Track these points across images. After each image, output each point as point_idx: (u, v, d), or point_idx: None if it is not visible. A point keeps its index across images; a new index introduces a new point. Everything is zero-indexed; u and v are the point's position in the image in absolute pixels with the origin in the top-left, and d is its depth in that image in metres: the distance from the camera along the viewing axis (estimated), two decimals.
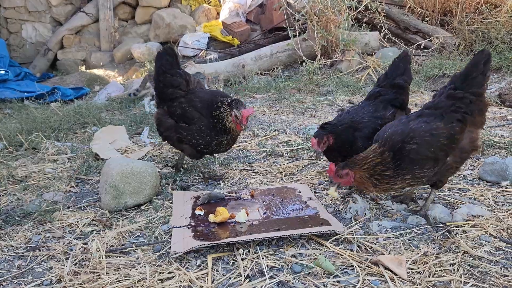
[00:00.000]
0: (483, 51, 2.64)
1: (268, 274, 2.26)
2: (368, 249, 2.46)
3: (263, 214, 2.89)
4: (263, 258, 2.41)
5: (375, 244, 2.50)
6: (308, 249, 2.50)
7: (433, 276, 2.17)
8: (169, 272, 2.34)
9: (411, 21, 8.58)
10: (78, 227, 2.93)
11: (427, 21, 8.72)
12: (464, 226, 2.61)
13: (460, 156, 2.65)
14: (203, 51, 9.66)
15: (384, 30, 8.02)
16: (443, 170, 2.62)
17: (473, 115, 2.61)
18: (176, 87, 3.54)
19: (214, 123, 3.39)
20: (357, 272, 2.24)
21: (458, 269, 2.21)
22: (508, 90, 5.53)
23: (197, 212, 2.92)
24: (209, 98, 3.48)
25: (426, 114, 2.64)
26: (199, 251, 2.51)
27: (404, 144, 2.53)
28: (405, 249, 2.43)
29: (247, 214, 2.83)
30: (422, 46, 8.12)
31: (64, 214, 3.12)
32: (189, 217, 2.87)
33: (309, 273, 2.26)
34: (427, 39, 8.19)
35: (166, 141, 3.78)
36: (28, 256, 2.60)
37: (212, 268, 2.36)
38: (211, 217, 2.80)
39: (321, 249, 2.48)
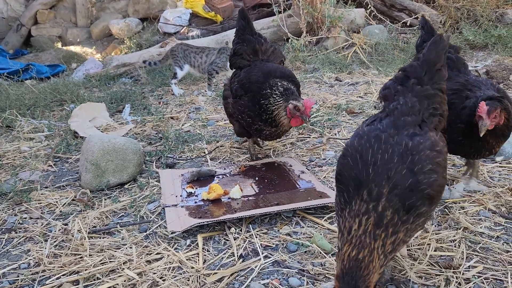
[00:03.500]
0: (442, 36, 2.00)
1: (262, 254, 2.14)
2: None
3: (257, 189, 2.77)
4: (256, 237, 2.29)
5: None
6: (303, 227, 2.39)
7: (434, 252, 2.09)
8: (157, 253, 2.20)
9: None
10: (57, 207, 2.75)
11: None
12: (462, 203, 2.54)
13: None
14: (185, 27, 9.35)
15: (370, 7, 7.86)
16: None
17: (445, 118, 1.99)
18: (239, 56, 3.26)
19: (260, 111, 2.98)
20: None
21: (459, 245, 2.13)
22: (495, 67, 5.51)
23: (189, 190, 2.78)
24: (259, 79, 3.03)
25: (409, 123, 1.79)
26: (188, 230, 2.37)
27: (418, 183, 1.61)
28: None
29: (241, 190, 2.70)
30: (408, 24, 8.01)
31: (42, 194, 2.94)
32: (180, 195, 2.72)
33: (306, 251, 2.16)
34: (413, 17, 8.07)
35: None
36: (3, 238, 2.43)
37: (203, 248, 2.23)
38: (204, 195, 2.67)
39: (316, 227, 2.38)
